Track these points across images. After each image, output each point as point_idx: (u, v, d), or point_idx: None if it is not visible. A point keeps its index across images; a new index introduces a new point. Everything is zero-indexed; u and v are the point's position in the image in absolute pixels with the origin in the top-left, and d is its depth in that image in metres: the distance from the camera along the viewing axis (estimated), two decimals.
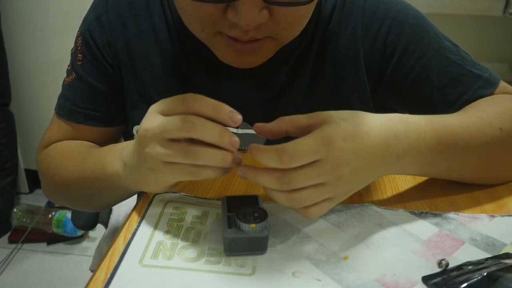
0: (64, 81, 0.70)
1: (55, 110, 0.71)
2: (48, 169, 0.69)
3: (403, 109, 0.70)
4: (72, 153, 0.66)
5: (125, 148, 0.53)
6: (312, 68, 0.66)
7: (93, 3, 0.68)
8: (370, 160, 0.46)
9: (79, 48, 0.67)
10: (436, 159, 0.53)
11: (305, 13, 0.55)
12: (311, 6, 0.53)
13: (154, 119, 0.46)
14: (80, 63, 0.67)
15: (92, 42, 0.65)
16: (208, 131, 0.44)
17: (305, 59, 0.65)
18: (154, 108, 0.47)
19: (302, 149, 0.43)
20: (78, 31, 0.68)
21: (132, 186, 0.53)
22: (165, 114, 0.46)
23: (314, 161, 0.43)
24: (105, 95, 0.68)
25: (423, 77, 0.64)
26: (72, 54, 0.69)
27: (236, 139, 0.44)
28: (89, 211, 0.95)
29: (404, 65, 0.65)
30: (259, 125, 0.48)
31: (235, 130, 0.68)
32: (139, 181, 0.51)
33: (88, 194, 0.64)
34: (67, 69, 0.70)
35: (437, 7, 1.52)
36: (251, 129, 0.68)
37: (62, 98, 0.70)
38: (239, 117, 0.44)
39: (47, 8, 1.76)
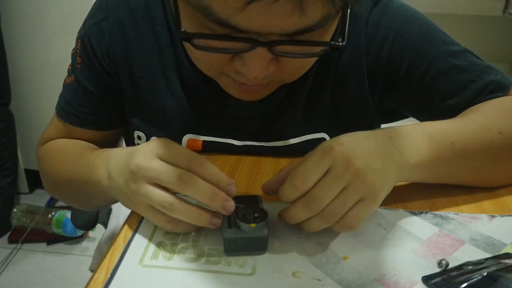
0: (65, 81, 0.70)
1: (55, 109, 0.71)
2: (45, 166, 0.69)
3: (412, 115, 0.70)
4: (68, 152, 0.66)
5: (111, 157, 0.53)
6: (313, 82, 0.65)
7: (94, 6, 0.66)
8: (374, 156, 0.46)
9: (78, 50, 0.66)
10: (438, 161, 0.53)
11: (312, 61, 0.54)
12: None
13: (150, 160, 0.46)
14: (79, 66, 0.66)
15: (89, 47, 0.64)
16: (199, 193, 0.45)
17: (307, 74, 0.64)
18: (154, 149, 0.47)
19: (308, 166, 0.45)
20: (78, 33, 0.67)
21: (115, 196, 0.53)
22: (165, 161, 0.46)
23: (326, 173, 0.44)
24: (101, 101, 0.68)
25: (432, 88, 0.63)
26: (72, 55, 0.68)
27: (231, 203, 0.45)
28: (86, 210, 0.95)
29: (412, 77, 0.63)
30: (265, 185, 0.51)
31: (235, 142, 0.67)
32: (119, 199, 0.52)
33: (79, 195, 0.64)
34: (68, 68, 0.69)
35: (437, 7, 1.51)
36: (250, 141, 0.67)
37: (62, 99, 0.70)
38: (234, 190, 0.46)
39: (47, 8, 1.75)
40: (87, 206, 0.71)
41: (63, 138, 0.71)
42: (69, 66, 0.69)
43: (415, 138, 0.52)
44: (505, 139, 0.56)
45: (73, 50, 0.68)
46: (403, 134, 0.52)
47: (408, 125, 0.54)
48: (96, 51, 0.64)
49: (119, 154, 0.51)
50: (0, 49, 1.78)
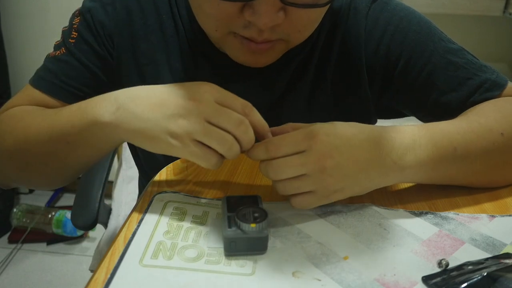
0: (48, 55, 0.67)
1: (29, 81, 0.67)
2: (6, 128, 0.60)
3: (410, 113, 0.70)
4: (43, 111, 0.60)
5: (123, 93, 0.50)
6: (314, 72, 0.66)
7: None
8: (356, 161, 0.48)
9: (75, 26, 0.65)
10: (438, 165, 0.53)
11: (318, 15, 0.56)
12: (325, 8, 0.54)
13: (210, 101, 0.47)
14: (73, 41, 0.65)
15: (93, 24, 0.64)
16: (248, 140, 0.48)
17: (308, 63, 0.65)
18: (209, 91, 0.48)
19: (287, 140, 0.48)
20: (76, 11, 0.66)
21: (122, 133, 0.49)
22: (221, 104, 0.48)
23: (299, 153, 0.47)
24: (96, 78, 0.66)
25: (429, 83, 0.64)
26: (64, 31, 0.67)
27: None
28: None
29: (409, 72, 0.64)
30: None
31: None
32: (139, 134, 0.48)
33: (52, 152, 0.55)
34: (55, 44, 0.67)
35: (437, 7, 1.51)
36: None
37: (43, 69, 0.66)
38: (271, 136, 0.50)
39: (47, 8, 1.76)
40: (51, 174, 0.59)
41: None
42: (56, 42, 0.68)
43: (419, 146, 0.52)
44: (506, 141, 0.56)
45: (65, 27, 0.67)
46: (407, 141, 0.52)
47: (414, 127, 0.54)
48: (99, 31, 0.64)
49: (141, 90, 0.50)
50: (0, 49, 1.78)
